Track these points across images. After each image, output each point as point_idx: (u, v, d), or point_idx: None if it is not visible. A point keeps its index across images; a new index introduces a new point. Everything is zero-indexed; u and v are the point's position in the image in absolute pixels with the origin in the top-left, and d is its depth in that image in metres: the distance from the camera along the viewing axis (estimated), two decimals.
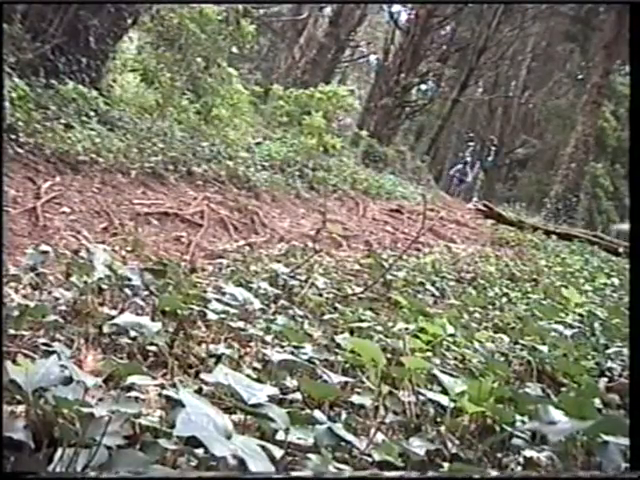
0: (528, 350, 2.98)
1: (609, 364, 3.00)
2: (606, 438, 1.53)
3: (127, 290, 2.81)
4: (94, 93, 8.25)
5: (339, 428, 1.53)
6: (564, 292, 5.13)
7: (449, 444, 1.70)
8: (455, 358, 2.75)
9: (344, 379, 2.08)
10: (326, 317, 3.35)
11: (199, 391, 1.77)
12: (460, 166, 20.97)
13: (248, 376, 1.68)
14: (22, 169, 6.15)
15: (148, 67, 11.00)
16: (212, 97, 11.46)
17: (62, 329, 2.26)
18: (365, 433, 1.73)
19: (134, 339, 2.22)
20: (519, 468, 1.70)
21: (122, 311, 2.53)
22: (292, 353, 2.25)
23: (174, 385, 1.75)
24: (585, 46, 26.74)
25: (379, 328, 2.99)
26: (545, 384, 2.59)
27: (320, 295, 3.87)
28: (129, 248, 4.80)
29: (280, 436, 1.46)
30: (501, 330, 3.66)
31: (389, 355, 2.38)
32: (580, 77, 28.41)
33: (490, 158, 26.47)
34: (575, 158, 20.27)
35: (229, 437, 1.23)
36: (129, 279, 2.84)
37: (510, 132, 32.41)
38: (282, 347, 2.42)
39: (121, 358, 2.09)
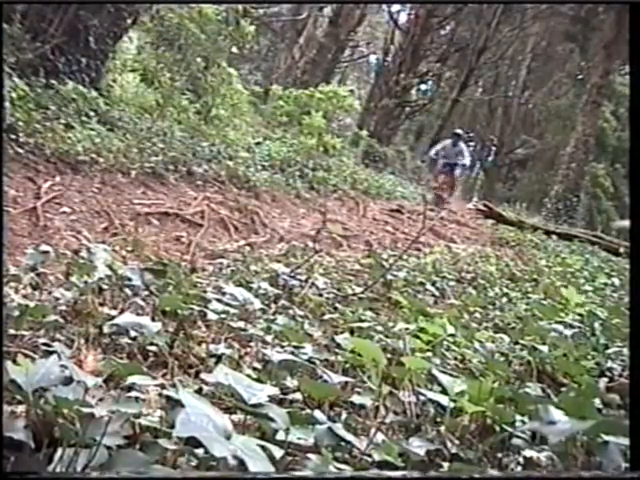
0: (528, 350, 2.97)
1: (609, 364, 2.99)
2: (606, 438, 1.53)
3: (127, 290, 2.81)
4: (94, 93, 8.25)
5: (339, 428, 1.53)
6: (564, 292, 5.12)
7: (449, 444, 1.70)
8: (455, 358, 2.75)
9: (344, 379, 2.08)
10: (326, 317, 3.35)
11: (199, 391, 1.76)
12: (448, 142, 13.12)
13: (248, 376, 1.67)
14: (22, 169, 6.15)
15: (148, 67, 11.02)
16: (212, 97, 11.47)
17: (62, 329, 2.26)
18: (365, 433, 1.72)
19: (134, 339, 2.22)
20: (519, 468, 1.70)
21: (122, 311, 2.52)
22: (292, 353, 2.25)
23: (174, 385, 1.75)
24: (585, 46, 26.74)
25: (379, 328, 2.99)
26: (545, 384, 2.58)
27: (320, 295, 3.86)
28: (129, 248, 4.79)
29: (280, 436, 1.46)
30: (501, 330, 3.66)
31: (389, 355, 2.37)
32: (580, 77, 28.41)
33: (490, 158, 26.09)
34: (575, 158, 20.29)
35: (229, 437, 1.22)
36: (129, 279, 2.83)
37: (510, 132, 32.43)
38: (282, 347, 2.41)
39: (121, 358, 2.09)
